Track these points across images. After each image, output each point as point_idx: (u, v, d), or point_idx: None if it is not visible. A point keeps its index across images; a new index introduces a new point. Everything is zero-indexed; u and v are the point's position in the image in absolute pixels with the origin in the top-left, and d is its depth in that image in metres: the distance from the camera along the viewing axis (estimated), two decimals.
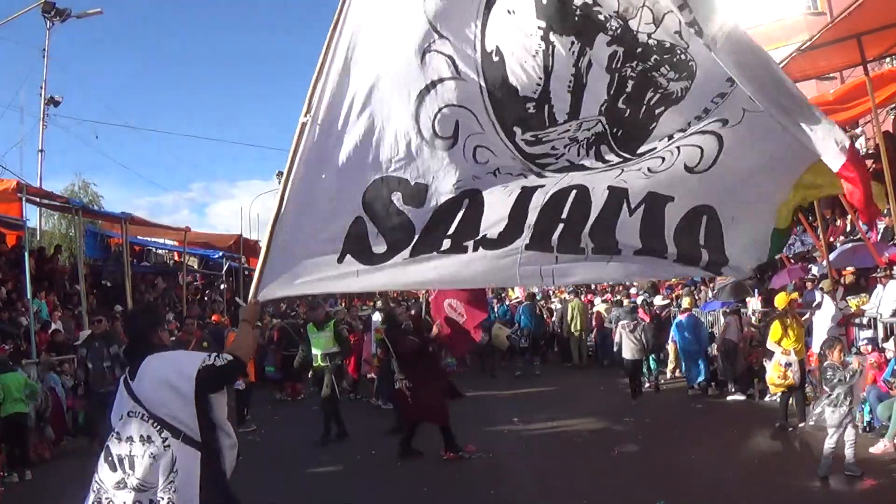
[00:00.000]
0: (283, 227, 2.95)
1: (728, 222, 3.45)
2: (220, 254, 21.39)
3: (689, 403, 11.00)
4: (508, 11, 2.84)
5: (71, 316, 12.71)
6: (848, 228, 12.51)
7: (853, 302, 9.32)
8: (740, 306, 11.69)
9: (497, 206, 3.12)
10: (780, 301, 8.97)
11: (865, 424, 7.73)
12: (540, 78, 2.91)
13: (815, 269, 11.81)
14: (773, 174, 3.35)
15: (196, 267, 23.21)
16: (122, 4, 55.20)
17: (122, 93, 68.88)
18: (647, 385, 12.23)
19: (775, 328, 8.62)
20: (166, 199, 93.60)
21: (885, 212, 10.79)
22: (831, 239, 12.10)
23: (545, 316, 16.83)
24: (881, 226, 11.58)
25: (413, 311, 9.24)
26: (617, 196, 3.28)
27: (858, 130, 15.45)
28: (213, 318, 13.76)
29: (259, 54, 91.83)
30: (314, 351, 9.02)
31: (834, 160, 2.75)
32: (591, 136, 3.04)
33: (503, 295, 22.93)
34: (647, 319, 12.49)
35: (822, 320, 8.77)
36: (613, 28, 2.86)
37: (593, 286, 20.92)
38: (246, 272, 19.53)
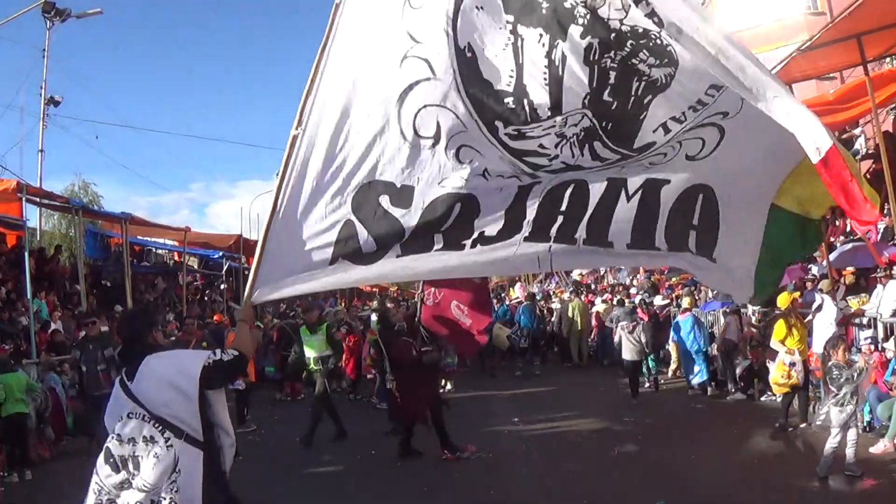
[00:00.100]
0: (275, 233, 3.04)
1: (725, 201, 3.50)
2: (220, 254, 21.39)
3: (689, 403, 11.00)
4: (477, 8, 2.88)
5: (71, 316, 12.70)
6: (848, 228, 12.51)
7: (853, 302, 9.32)
8: (740, 306, 11.68)
9: (493, 208, 3.16)
10: (783, 301, 8.98)
11: (865, 424, 7.73)
12: (512, 70, 2.94)
13: (815, 269, 11.81)
14: (768, 164, 3.41)
15: (196, 267, 23.22)
16: (122, 4, 55.23)
17: (122, 93, 68.96)
18: (646, 385, 12.24)
19: (779, 327, 8.61)
20: (166, 199, 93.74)
21: (886, 212, 10.82)
22: (831, 239, 12.10)
23: (545, 316, 16.83)
24: (881, 226, 11.58)
25: (409, 311, 9.24)
26: (615, 186, 3.33)
27: (858, 130, 15.43)
28: (215, 317, 13.76)
29: (259, 54, 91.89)
30: (307, 354, 9.00)
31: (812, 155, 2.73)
32: (580, 132, 3.04)
33: (503, 295, 22.94)
34: (646, 319, 12.50)
35: (823, 321, 8.77)
36: (583, 16, 2.88)
37: (593, 286, 20.95)
38: (246, 272, 19.49)
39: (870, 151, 14.21)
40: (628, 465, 7.44)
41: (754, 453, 7.69)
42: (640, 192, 3.43)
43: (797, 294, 9.72)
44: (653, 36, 2.91)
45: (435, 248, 3.19)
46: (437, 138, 2.99)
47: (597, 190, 3.37)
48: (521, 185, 3.18)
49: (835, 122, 11.08)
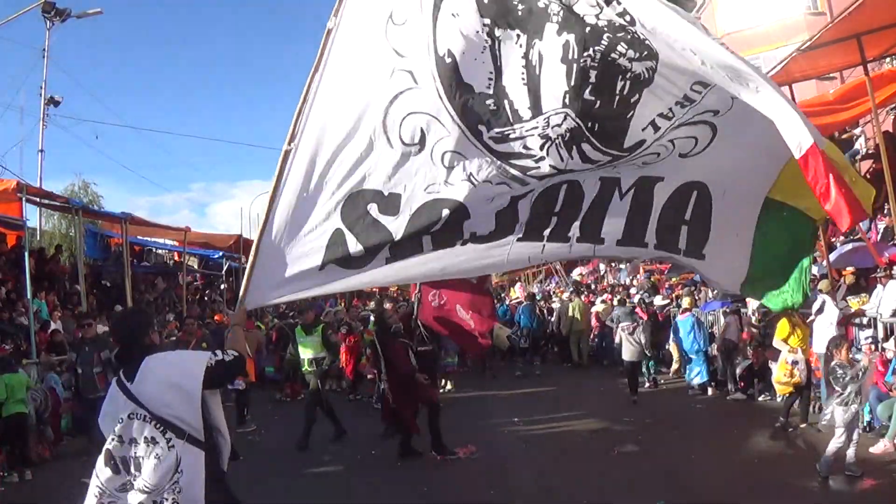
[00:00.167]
0: (267, 241, 3.12)
1: (719, 198, 3.54)
2: (220, 254, 21.39)
3: (689, 403, 11.00)
4: (453, 15, 2.94)
5: (71, 316, 12.70)
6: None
7: (853, 302, 9.32)
8: (740, 306, 11.68)
9: (483, 214, 3.21)
10: None
11: (865, 424, 7.73)
12: (490, 73, 2.99)
13: (815, 269, 11.81)
14: (761, 159, 3.43)
15: (196, 267, 23.22)
16: (122, 4, 55.21)
17: (122, 93, 68.94)
18: (646, 385, 12.24)
19: (782, 326, 8.62)
20: (166, 199, 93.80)
21: (886, 212, 10.82)
22: (832, 239, 12.10)
23: (545, 316, 16.83)
24: (881, 226, 11.58)
25: (405, 311, 9.23)
26: (609, 184, 3.37)
27: (858, 130, 15.44)
28: (216, 317, 13.76)
29: (260, 54, 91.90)
30: (301, 355, 8.97)
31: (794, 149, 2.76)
32: (566, 134, 3.06)
33: (503, 295, 22.95)
34: (645, 317, 12.51)
35: (823, 321, 8.77)
36: (556, 13, 2.92)
37: (594, 286, 20.96)
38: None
39: (870, 151, 14.20)
40: (628, 465, 7.44)
41: (754, 453, 7.69)
42: (633, 189, 3.46)
43: None
44: (630, 30, 2.94)
45: (425, 249, 3.23)
46: (422, 145, 3.05)
47: (590, 189, 3.40)
48: (513, 196, 3.22)
49: (835, 122, 11.08)
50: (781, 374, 8.47)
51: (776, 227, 3.69)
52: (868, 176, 13.02)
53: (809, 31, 15.21)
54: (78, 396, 8.58)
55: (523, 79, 3.00)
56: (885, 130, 11.31)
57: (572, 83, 2.97)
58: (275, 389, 12.92)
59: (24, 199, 11.46)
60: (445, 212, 3.11)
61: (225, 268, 22.00)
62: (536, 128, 3.05)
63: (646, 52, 2.96)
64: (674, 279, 16.88)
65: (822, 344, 8.41)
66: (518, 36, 2.96)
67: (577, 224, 3.44)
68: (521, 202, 3.33)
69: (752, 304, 11.80)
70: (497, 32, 2.96)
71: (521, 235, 3.38)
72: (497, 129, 3.04)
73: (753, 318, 11.35)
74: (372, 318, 12.08)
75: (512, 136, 3.05)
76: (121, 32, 70.06)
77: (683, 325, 11.97)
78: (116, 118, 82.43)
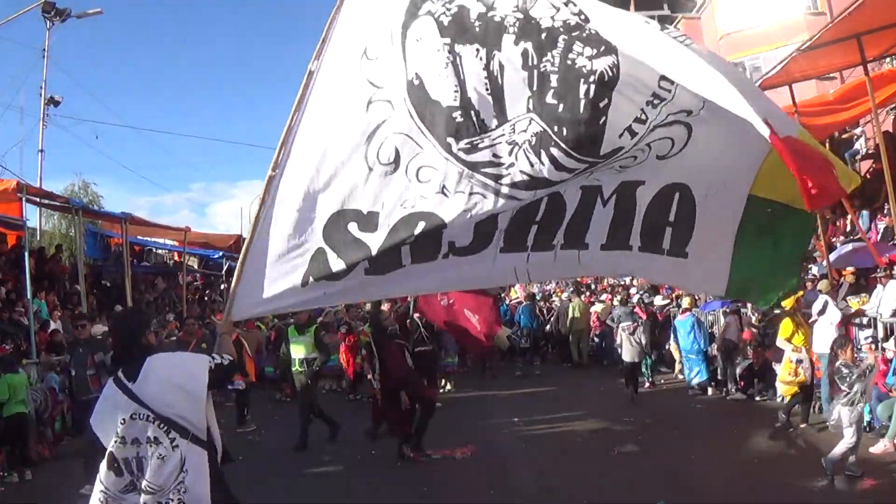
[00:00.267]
0: (252, 259, 3.26)
1: (702, 197, 3.56)
2: (220, 254, 21.38)
3: (689, 403, 11.01)
4: (417, 40, 3.14)
5: (70, 316, 12.69)
6: (848, 228, 12.51)
7: (853, 302, 9.32)
8: (740, 306, 11.69)
9: (460, 225, 3.25)
10: (788, 300, 9.00)
11: (865, 424, 7.73)
12: (455, 86, 3.12)
13: (814, 269, 11.81)
14: (739, 155, 3.45)
15: (196, 267, 23.21)
16: (122, 4, 55.21)
17: (122, 93, 68.88)
18: (646, 385, 12.25)
19: (785, 326, 8.62)
20: (166, 199, 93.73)
21: (886, 211, 10.82)
22: (832, 239, 12.10)
23: (545, 316, 16.84)
24: (881, 226, 11.58)
25: (401, 311, 9.24)
26: (591, 192, 3.41)
27: (858, 130, 15.44)
28: (217, 316, 13.74)
29: (260, 54, 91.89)
30: (292, 354, 8.94)
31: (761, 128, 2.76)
32: (532, 138, 3.12)
33: (503, 295, 22.93)
34: (644, 317, 12.53)
35: (823, 321, 8.77)
36: (513, 24, 3.07)
37: (594, 286, 20.94)
38: None
39: (870, 151, 14.21)
40: (628, 465, 7.45)
41: (754, 453, 7.69)
42: (615, 195, 3.50)
43: (801, 293, 9.74)
44: (585, 27, 3.04)
45: (404, 262, 3.32)
46: (397, 163, 3.16)
47: (572, 199, 3.45)
48: (488, 210, 3.26)
49: (835, 122, 11.11)
50: (786, 374, 8.46)
51: (762, 225, 3.69)
52: (868, 176, 13.03)
53: (809, 31, 15.21)
54: (71, 398, 8.51)
55: (486, 88, 3.11)
56: (885, 130, 11.32)
57: (534, 89, 3.08)
58: (275, 389, 12.93)
59: (24, 199, 11.45)
60: (422, 223, 3.18)
61: (225, 268, 21.96)
62: (503, 135, 3.12)
63: (603, 48, 3.04)
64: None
65: (822, 344, 8.42)
66: (478, 50, 3.10)
67: (560, 231, 3.49)
68: (501, 214, 3.35)
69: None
70: (457, 48, 3.11)
71: (503, 245, 3.43)
72: (466, 140, 3.13)
73: (753, 318, 11.35)
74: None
75: (480, 145, 3.13)
76: (121, 32, 70.05)
77: (683, 326, 11.97)
78: (116, 118, 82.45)
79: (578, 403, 10.93)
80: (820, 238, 10.71)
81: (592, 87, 3.06)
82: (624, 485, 6.63)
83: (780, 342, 8.69)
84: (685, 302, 12.46)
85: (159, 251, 22.70)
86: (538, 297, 18.23)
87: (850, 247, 11.16)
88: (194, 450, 2.92)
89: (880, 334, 8.51)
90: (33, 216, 17.09)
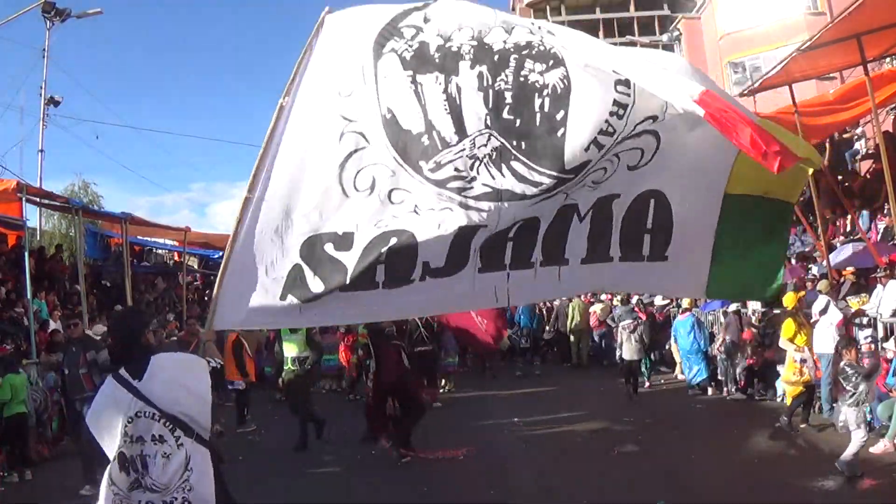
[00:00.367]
0: (233, 272, 3.36)
1: (677, 202, 3.64)
2: (220, 254, 21.20)
3: (689, 403, 11.00)
4: (384, 77, 3.39)
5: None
6: (848, 228, 12.51)
7: (853, 302, 9.32)
8: (740, 306, 11.69)
9: (432, 241, 3.36)
10: (790, 300, 9.00)
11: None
12: (419, 112, 3.36)
13: (815, 269, 11.82)
14: (710, 156, 3.54)
15: (196, 267, 23.18)
16: (122, 4, 55.22)
17: (122, 93, 68.85)
18: (646, 385, 12.25)
19: (788, 326, 8.61)
20: (166, 199, 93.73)
21: (886, 211, 10.81)
22: (832, 239, 12.10)
23: (545, 316, 16.82)
24: (881, 226, 11.58)
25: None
26: (566, 210, 3.51)
27: (858, 130, 15.44)
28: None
29: (260, 54, 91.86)
30: (285, 353, 8.90)
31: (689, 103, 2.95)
32: (492, 152, 3.32)
33: None
34: (643, 318, 12.52)
35: (824, 322, 8.76)
36: (468, 52, 3.36)
37: None
38: None
39: (870, 151, 14.21)
40: (628, 465, 7.44)
41: (754, 453, 7.69)
42: (591, 211, 3.58)
43: (802, 293, 9.74)
44: (534, 44, 3.33)
45: (381, 283, 3.40)
46: (372, 188, 3.37)
47: (546, 217, 3.52)
48: (461, 226, 3.36)
49: (835, 122, 11.10)
50: (790, 374, 8.44)
51: (740, 221, 3.73)
52: (868, 176, 13.03)
53: (809, 31, 15.21)
54: (64, 397, 8.47)
55: (446, 109, 3.32)
56: (885, 130, 11.31)
57: (490, 106, 3.31)
58: (275, 389, 12.87)
59: (24, 199, 11.44)
60: (394, 240, 3.33)
61: None
62: (464, 150, 3.32)
63: (552, 61, 3.31)
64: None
65: (822, 344, 8.42)
66: (437, 77, 3.35)
67: (538, 248, 3.54)
68: (473, 232, 3.42)
69: (753, 304, 11.81)
70: (419, 78, 3.36)
71: (480, 265, 3.49)
72: (432, 160, 3.32)
73: (753, 318, 11.36)
74: None
75: (443, 161, 3.32)
76: (121, 32, 70.09)
77: (683, 326, 11.97)
78: (116, 118, 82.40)
79: (578, 403, 10.92)
80: (820, 238, 10.71)
81: (546, 100, 3.31)
82: (624, 485, 6.63)
83: (783, 342, 8.68)
84: (685, 302, 12.45)
85: (159, 251, 22.69)
86: None
87: (850, 247, 11.16)
88: (199, 449, 2.93)
89: (880, 334, 8.51)
90: (33, 216, 17.11)
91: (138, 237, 18.57)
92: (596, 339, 15.83)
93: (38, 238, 17.63)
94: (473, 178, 3.31)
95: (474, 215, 3.34)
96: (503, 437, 8.94)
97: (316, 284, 3.32)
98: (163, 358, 3.08)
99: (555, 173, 3.31)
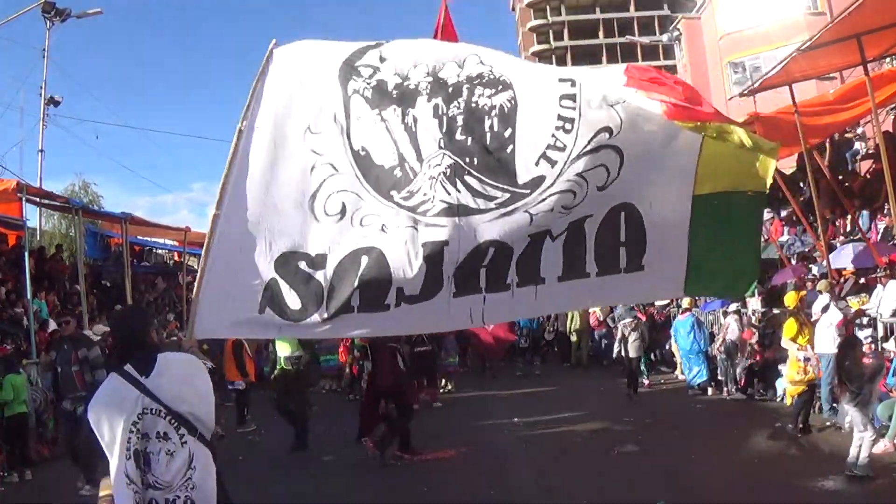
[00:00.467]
0: (209, 284, 3.45)
1: (647, 210, 3.73)
2: None
3: (689, 403, 11.01)
4: (357, 119, 3.60)
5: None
6: (848, 228, 12.51)
7: (854, 302, 9.32)
8: (740, 306, 11.69)
9: (404, 261, 3.44)
10: (791, 300, 9.00)
11: None
12: (393, 148, 3.58)
13: (815, 269, 11.82)
14: (672, 161, 3.67)
15: (196, 267, 23.15)
16: (122, 4, 55.21)
17: (122, 93, 68.88)
18: (645, 384, 12.26)
19: (790, 326, 8.61)
20: (166, 199, 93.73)
21: (886, 211, 10.81)
22: (832, 239, 12.09)
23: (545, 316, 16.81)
24: (881, 226, 11.58)
25: None
26: (539, 235, 3.60)
27: (859, 130, 15.43)
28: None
29: (260, 54, 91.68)
30: (278, 352, 8.90)
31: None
32: (447, 170, 3.52)
33: None
34: (643, 318, 12.52)
35: (824, 322, 8.76)
36: (425, 88, 3.62)
37: None
38: None
39: (870, 151, 14.20)
40: (628, 465, 7.44)
41: (754, 453, 7.69)
42: (565, 233, 3.67)
43: (804, 293, 9.74)
44: (485, 74, 3.61)
45: (356, 307, 3.48)
46: (342, 214, 3.52)
47: (519, 244, 3.60)
48: (425, 242, 3.45)
49: (835, 122, 11.08)
50: (794, 373, 8.42)
51: (711, 220, 3.78)
52: (868, 176, 13.03)
53: (809, 31, 15.20)
54: (57, 396, 8.44)
55: (409, 140, 3.56)
56: (885, 130, 11.29)
57: (444, 130, 3.55)
58: (274, 389, 12.89)
59: (24, 199, 11.43)
60: (364, 258, 3.45)
61: None
62: (424, 173, 3.53)
63: (500, 86, 3.58)
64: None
65: (822, 344, 8.42)
66: (394, 109, 3.60)
67: (512, 270, 3.62)
68: (445, 259, 3.49)
69: (752, 304, 11.82)
70: (384, 115, 3.60)
71: (455, 290, 3.56)
72: (405, 190, 3.53)
73: (754, 318, 11.36)
74: None
75: (414, 189, 3.53)
76: (121, 33, 70.04)
77: (683, 326, 11.98)
78: (116, 118, 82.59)
79: (578, 403, 10.93)
80: (820, 238, 10.70)
81: (495, 120, 3.55)
82: (624, 485, 6.63)
83: (785, 342, 8.68)
84: (685, 302, 12.45)
85: (159, 251, 22.69)
86: None
87: (850, 247, 11.15)
88: (201, 448, 2.94)
89: (880, 334, 8.51)
90: (33, 216, 17.10)
91: (138, 237, 18.57)
92: (596, 339, 15.84)
93: (38, 238, 17.63)
94: (433, 198, 3.50)
95: (436, 231, 3.47)
96: (503, 437, 8.94)
97: (293, 299, 3.44)
98: (171, 357, 3.10)
99: (508, 187, 3.51)
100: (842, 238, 12.31)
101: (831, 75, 14.28)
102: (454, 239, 3.47)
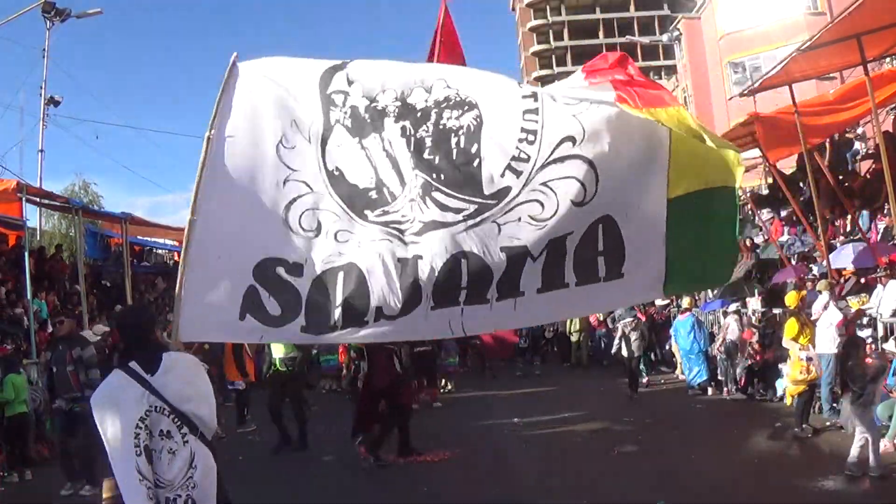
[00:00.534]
0: (189, 289, 3.44)
1: (623, 219, 3.77)
2: None
3: (689, 403, 11.01)
4: (338, 146, 3.68)
5: (70, 316, 12.67)
6: (848, 228, 12.51)
7: (854, 302, 9.32)
8: (740, 306, 11.69)
9: (382, 282, 3.47)
10: (792, 300, 9.00)
11: None
12: (371, 173, 3.66)
13: (815, 269, 11.81)
14: (642, 166, 3.75)
15: None
16: (122, 4, 55.20)
17: (122, 93, 68.89)
18: (644, 381, 12.26)
19: (791, 326, 8.60)
20: (166, 199, 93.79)
21: (886, 211, 10.82)
22: (832, 239, 12.09)
23: None
24: (881, 226, 11.58)
25: None
26: (519, 254, 3.62)
27: (859, 130, 15.43)
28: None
29: (260, 54, 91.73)
30: (273, 354, 8.87)
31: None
32: (420, 189, 3.60)
33: None
34: (643, 318, 12.53)
35: (824, 322, 8.77)
36: (393, 111, 3.72)
37: None
38: None
39: (870, 151, 14.20)
40: (628, 465, 7.45)
41: (754, 453, 7.69)
42: (545, 251, 3.68)
43: (804, 293, 9.74)
44: (451, 97, 3.73)
45: (337, 322, 3.50)
46: (318, 230, 3.57)
47: (498, 265, 3.61)
48: (400, 258, 3.50)
49: (835, 122, 11.08)
50: (796, 373, 8.40)
51: (687, 220, 3.80)
52: (868, 176, 13.03)
53: (809, 31, 15.20)
54: (51, 395, 8.43)
55: (389, 165, 3.64)
56: (885, 130, 11.29)
57: (412, 150, 3.66)
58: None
59: (24, 199, 11.43)
60: (341, 274, 3.47)
61: None
62: (406, 196, 3.61)
63: (467, 107, 3.71)
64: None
65: (822, 344, 8.42)
66: (374, 136, 3.67)
67: (492, 288, 3.65)
68: (419, 275, 3.51)
69: (752, 304, 11.82)
70: (364, 143, 3.67)
71: (433, 304, 3.58)
72: (381, 209, 3.61)
73: (754, 318, 11.36)
74: None
75: (391, 210, 3.61)
76: (121, 32, 70.07)
77: (683, 326, 11.98)
78: (116, 118, 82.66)
79: (578, 403, 10.93)
80: (820, 238, 10.70)
81: (462, 137, 3.66)
82: (624, 485, 6.63)
83: (787, 342, 8.67)
84: (685, 302, 12.48)
85: (159, 251, 22.70)
86: None
87: (850, 247, 11.15)
88: (202, 447, 2.95)
89: (880, 334, 8.51)
90: (33, 216, 17.09)
91: (138, 237, 18.57)
92: (596, 338, 15.85)
93: (38, 238, 17.63)
94: (413, 219, 3.58)
95: (412, 249, 3.52)
96: (503, 437, 8.95)
97: (272, 305, 3.46)
98: (175, 356, 3.13)
99: (475, 199, 3.57)
100: (842, 238, 12.30)
101: (831, 75, 14.30)
102: (427, 254, 3.51)
